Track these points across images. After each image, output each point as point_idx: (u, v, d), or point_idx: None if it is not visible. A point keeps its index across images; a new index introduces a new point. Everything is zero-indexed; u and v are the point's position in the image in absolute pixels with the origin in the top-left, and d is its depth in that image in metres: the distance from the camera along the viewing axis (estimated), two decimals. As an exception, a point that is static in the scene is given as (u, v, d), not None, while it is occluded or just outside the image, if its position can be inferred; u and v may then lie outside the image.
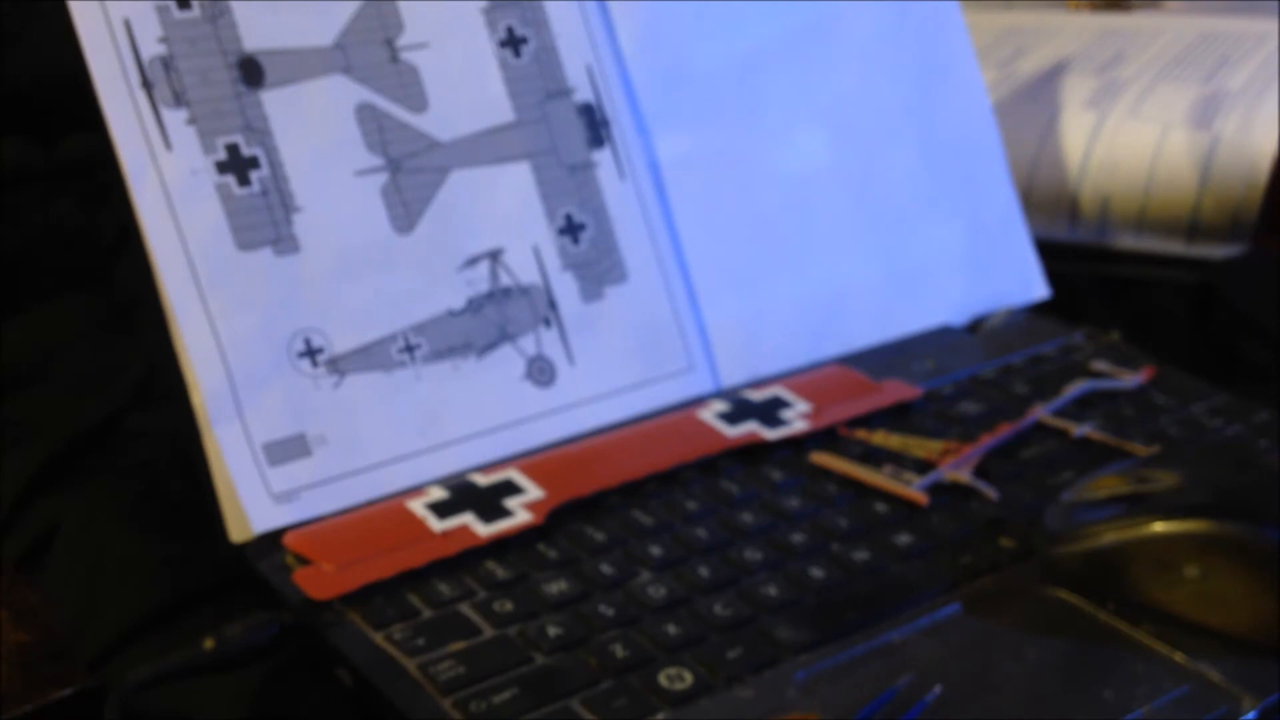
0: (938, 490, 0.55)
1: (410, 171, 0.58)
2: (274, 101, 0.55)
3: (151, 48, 0.54)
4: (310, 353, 0.55)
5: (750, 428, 0.59)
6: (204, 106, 0.54)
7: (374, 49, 0.58)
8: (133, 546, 0.56)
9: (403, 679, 0.46)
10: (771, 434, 0.59)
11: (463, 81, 0.59)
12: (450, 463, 0.57)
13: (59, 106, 0.63)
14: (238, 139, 0.55)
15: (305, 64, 0.56)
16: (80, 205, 0.67)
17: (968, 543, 0.53)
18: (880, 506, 0.55)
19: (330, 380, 0.55)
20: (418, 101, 0.58)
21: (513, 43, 0.60)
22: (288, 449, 0.54)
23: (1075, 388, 0.62)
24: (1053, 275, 0.72)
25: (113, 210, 0.62)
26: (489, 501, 0.54)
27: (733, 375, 0.63)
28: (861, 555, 0.52)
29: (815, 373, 0.64)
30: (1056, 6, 0.92)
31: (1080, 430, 0.60)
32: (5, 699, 0.52)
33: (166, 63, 0.54)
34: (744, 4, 0.65)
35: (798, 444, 0.59)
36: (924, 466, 0.57)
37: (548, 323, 0.60)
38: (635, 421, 0.60)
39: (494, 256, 0.59)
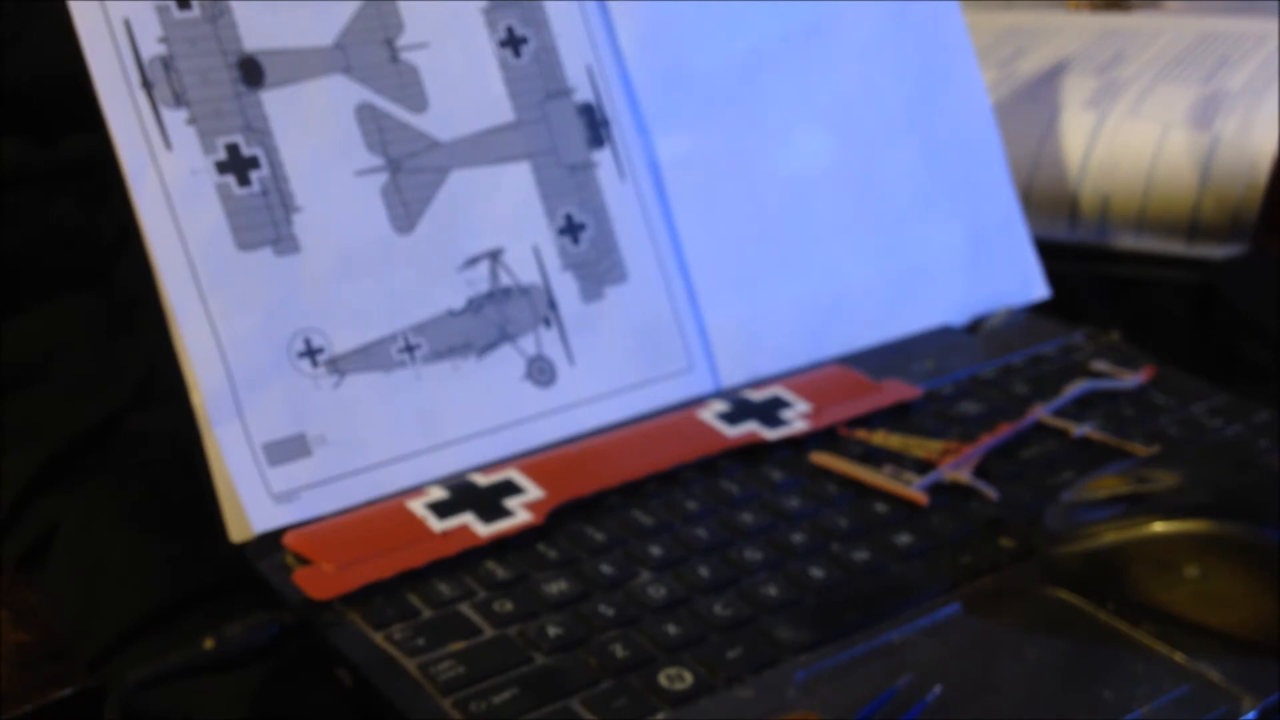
0: (938, 490, 0.55)
1: (410, 171, 0.58)
2: (274, 101, 0.55)
3: (151, 48, 0.54)
4: (310, 353, 0.55)
5: (750, 428, 0.59)
6: (204, 106, 0.54)
7: (374, 49, 0.58)
8: (133, 546, 0.56)
9: (403, 679, 0.46)
10: (771, 434, 0.59)
11: (463, 81, 0.59)
12: (450, 463, 0.57)
13: (59, 106, 0.63)
14: (238, 139, 0.55)
15: (305, 64, 0.56)
16: (80, 205, 0.67)
17: (968, 543, 0.53)
18: (880, 506, 0.55)
19: (330, 380, 0.55)
20: (418, 101, 0.58)
21: (513, 43, 0.60)
22: (288, 449, 0.54)
23: (1075, 388, 0.62)
24: (1053, 275, 0.72)
25: (113, 210, 0.62)
26: (489, 501, 0.54)
27: (733, 375, 0.63)
28: (861, 555, 0.52)
29: (815, 373, 0.64)
30: (1056, 6, 0.92)
31: (1080, 430, 0.60)
32: (5, 699, 0.52)
33: (166, 63, 0.54)
34: (744, 4, 0.65)
35: (798, 444, 0.59)
36: (924, 466, 0.57)
37: (548, 323, 0.60)
38: (635, 421, 0.60)
39: (494, 256, 0.59)
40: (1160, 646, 0.47)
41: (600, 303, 0.61)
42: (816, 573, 0.51)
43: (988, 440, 0.58)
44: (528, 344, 0.59)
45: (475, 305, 0.58)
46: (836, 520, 0.54)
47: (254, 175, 0.55)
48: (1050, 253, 0.73)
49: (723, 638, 0.48)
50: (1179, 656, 0.46)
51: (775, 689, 0.46)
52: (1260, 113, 0.75)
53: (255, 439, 0.54)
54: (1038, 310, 0.71)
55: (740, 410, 0.60)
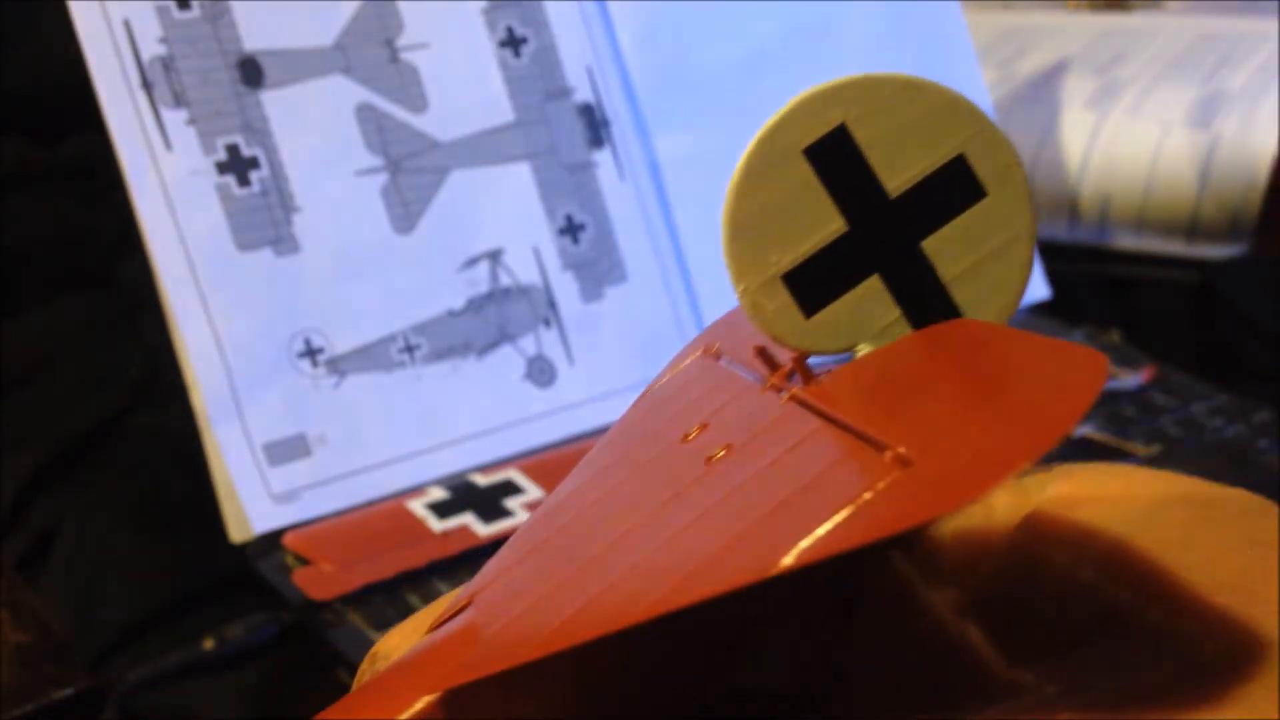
0: (938, 490, 0.55)
1: (410, 171, 0.58)
2: (274, 101, 0.55)
3: (151, 48, 0.54)
4: (310, 353, 0.55)
5: (750, 428, 0.59)
6: (204, 106, 0.54)
7: (374, 49, 0.58)
8: (133, 546, 0.56)
9: (403, 679, 0.46)
10: (771, 434, 0.59)
11: (463, 81, 0.59)
12: (450, 463, 0.57)
13: (59, 106, 0.63)
14: (238, 139, 0.55)
15: (305, 64, 0.56)
16: (80, 205, 0.67)
17: (968, 543, 0.53)
18: (880, 506, 0.55)
19: (330, 380, 0.55)
20: (418, 101, 0.58)
21: (513, 43, 0.60)
22: (288, 449, 0.54)
23: (1075, 388, 0.62)
24: (1053, 275, 0.72)
25: (113, 210, 0.62)
26: (489, 501, 0.54)
27: (733, 375, 0.63)
28: (861, 555, 0.52)
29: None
30: (1056, 6, 0.92)
31: (1080, 430, 0.59)
32: (5, 699, 0.51)
33: (166, 63, 0.54)
34: (744, 4, 0.65)
35: (798, 444, 0.59)
36: (924, 466, 0.57)
37: (548, 323, 0.60)
38: (635, 421, 0.60)
39: (494, 256, 0.59)
40: (1160, 646, 0.47)
41: (600, 303, 0.61)
42: (816, 573, 0.51)
43: (988, 440, 0.58)
44: (528, 344, 0.59)
45: (475, 305, 0.58)
46: (836, 520, 0.54)
47: (254, 175, 0.55)
48: (1050, 253, 0.73)
49: (723, 638, 0.48)
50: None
51: (775, 689, 0.46)
52: (1260, 113, 0.75)
53: (255, 439, 0.54)
54: (1038, 310, 0.71)
55: (740, 410, 0.60)
